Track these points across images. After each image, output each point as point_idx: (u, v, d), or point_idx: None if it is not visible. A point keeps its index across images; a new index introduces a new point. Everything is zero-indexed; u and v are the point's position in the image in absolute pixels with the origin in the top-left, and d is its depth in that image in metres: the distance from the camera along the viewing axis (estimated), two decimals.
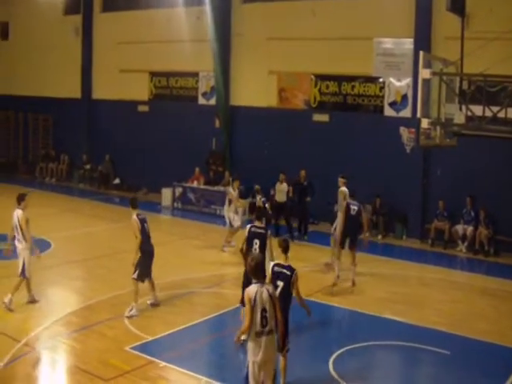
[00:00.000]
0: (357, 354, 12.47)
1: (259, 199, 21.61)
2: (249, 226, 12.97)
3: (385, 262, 19.28)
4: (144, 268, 14.37)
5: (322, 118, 25.03)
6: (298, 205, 22.65)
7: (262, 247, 12.44)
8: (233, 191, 20.44)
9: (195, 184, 27.33)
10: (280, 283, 10.12)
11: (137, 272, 14.25)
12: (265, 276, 9.45)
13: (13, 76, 36.09)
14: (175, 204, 27.49)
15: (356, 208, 16.80)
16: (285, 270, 10.20)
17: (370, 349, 12.93)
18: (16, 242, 14.34)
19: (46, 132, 35.88)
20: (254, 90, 26.87)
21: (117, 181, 31.55)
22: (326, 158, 24.25)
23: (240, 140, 27.08)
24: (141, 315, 14.24)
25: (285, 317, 9.92)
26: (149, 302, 14.77)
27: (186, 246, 20.95)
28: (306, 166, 23.24)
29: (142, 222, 14.38)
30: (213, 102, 28.14)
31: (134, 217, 14.33)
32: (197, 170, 27.39)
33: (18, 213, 14.45)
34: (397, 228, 23.10)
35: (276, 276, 10.17)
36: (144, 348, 12.39)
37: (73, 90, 33.10)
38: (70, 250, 19.99)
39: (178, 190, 27.52)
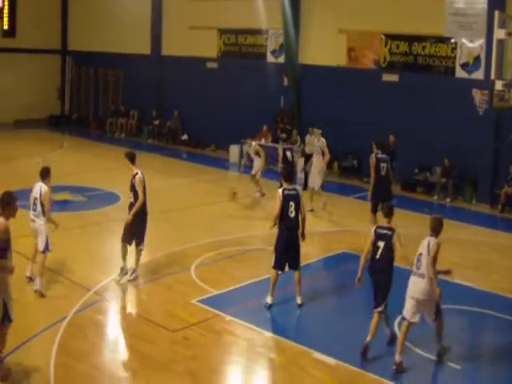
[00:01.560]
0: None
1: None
2: (281, 190, 12.46)
3: (454, 226, 18.98)
4: (143, 232, 13.60)
5: (391, 78, 24.67)
6: None
7: (297, 209, 12.32)
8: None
9: (263, 141, 27.35)
10: (381, 243, 10.71)
11: (143, 243, 13.56)
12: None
13: (84, 33, 36.61)
14: (242, 161, 27.61)
15: (385, 165, 16.66)
16: (386, 231, 10.77)
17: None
18: (33, 217, 12.89)
19: (116, 88, 36.29)
20: (323, 48, 26.61)
21: (185, 137, 31.81)
22: (394, 118, 23.93)
23: (308, 98, 26.91)
24: (206, 270, 14.45)
25: (389, 277, 10.73)
26: (132, 275, 13.62)
27: (253, 202, 21.06)
28: (374, 126, 23.03)
29: (145, 181, 13.31)
30: (281, 60, 28.00)
31: (140, 174, 13.22)
32: (264, 127, 27.37)
33: (42, 187, 12.93)
34: (466, 192, 22.73)
35: (378, 237, 10.76)
36: (210, 301, 12.60)
37: (143, 46, 33.31)
38: None
39: (245, 148, 27.59)
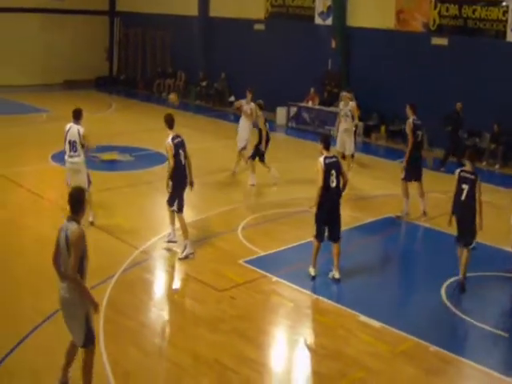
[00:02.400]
0: (470, 282, 12.26)
1: None
2: (322, 158, 11.84)
3: (503, 192, 18.77)
4: (180, 198, 13.10)
5: (440, 41, 24.24)
6: (450, 135, 21.84)
7: (338, 178, 11.86)
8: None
9: (310, 104, 27.27)
10: (465, 186, 11.67)
11: (176, 203, 12.99)
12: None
13: None
14: (289, 123, 27.59)
15: (420, 132, 15.85)
16: (469, 175, 11.73)
17: (487, 279, 12.67)
18: (73, 158, 13.70)
19: (163, 49, 36.26)
20: (371, 10, 26.19)
21: (232, 98, 31.75)
22: (443, 82, 23.57)
23: (356, 61, 26.62)
24: (253, 231, 14.55)
25: (473, 215, 11.65)
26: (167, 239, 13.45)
27: (300, 165, 20.91)
28: (422, 90, 22.77)
29: (177, 146, 12.78)
30: (329, 22, 27.66)
31: (169, 140, 12.75)
32: (312, 90, 27.24)
33: (79, 129, 13.60)
34: None
35: (462, 181, 11.72)
36: (257, 262, 12.71)
37: (190, 7, 33.16)
38: None
39: (293, 110, 27.57)
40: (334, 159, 12.01)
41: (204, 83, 33.17)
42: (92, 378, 7.97)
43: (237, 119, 26.66)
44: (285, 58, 28.81)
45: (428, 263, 13.57)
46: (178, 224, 13.12)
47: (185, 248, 12.93)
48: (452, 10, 23.81)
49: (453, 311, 11.05)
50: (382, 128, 25.59)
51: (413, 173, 15.69)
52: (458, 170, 12.03)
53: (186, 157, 12.94)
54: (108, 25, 38.78)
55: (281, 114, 27.95)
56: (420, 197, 16.00)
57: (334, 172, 11.83)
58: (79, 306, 7.74)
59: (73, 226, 7.57)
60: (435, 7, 24.23)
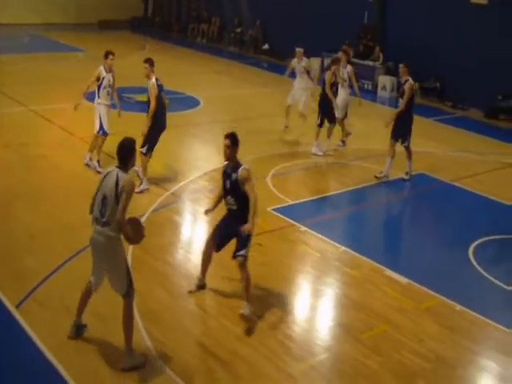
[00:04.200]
0: (499, 245, 12.18)
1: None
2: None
3: None
4: (153, 142, 13.27)
5: (480, 0, 23.67)
6: None
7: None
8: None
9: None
10: None
11: (146, 146, 13.08)
12: None
13: None
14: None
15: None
16: None
17: None
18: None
19: None
20: None
21: (266, 46, 31.48)
22: (481, 43, 23.06)
23: (392, 16, 26.11)
24: (283, 179, 14.50)
25: None
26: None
27: None
28: (459, 50, 22.41)
29: (160, 87, 13.01)
30: None
31: (153, 80, 12.89)
32: (346, 42, 26.84)
33: (108, 73, 13.97)
34: None
35: None
36: (285, 211, 12.67)
37: None
38: (218, 110, 20.41)
39: (327, 61, 27.22)
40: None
41: (239, 29, 32.85)
42: (133, 328, 7.94)
43: (271, 68, 26.51)
44: (321, 8, 28.25)
45: (458, 223, 13.42)
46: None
47: (141, 183, 13.07)
48: None
49: (480, 272, 10.98)
50: (416, 85, 25.15)
51: (400, 132, 14.94)
52: None
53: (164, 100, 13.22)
54: None
55: (315, 64, 27.58)
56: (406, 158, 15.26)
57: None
58: (120, 253, 7.75)
59: (126, 176, 7.62)
60: None
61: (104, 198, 7.60)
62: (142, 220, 11.53)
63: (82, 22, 34.95)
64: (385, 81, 25.17)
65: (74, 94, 15.14)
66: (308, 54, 26.76)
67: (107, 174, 7.72)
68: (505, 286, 10.59)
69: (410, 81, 14.65)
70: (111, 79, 13.97)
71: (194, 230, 12.35)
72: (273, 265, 10.69)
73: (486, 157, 17.68)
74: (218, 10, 34.10)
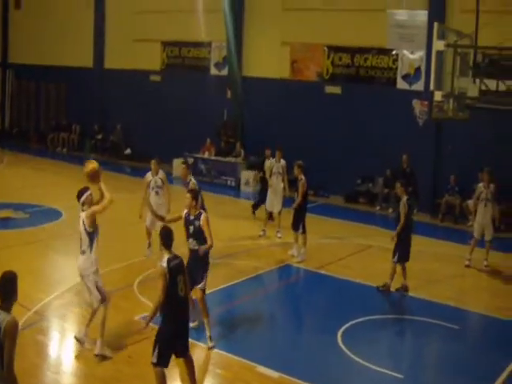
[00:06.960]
0: (366, 327, 12.49)
1: None
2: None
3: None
4: None
5: (334, 90, 24.86)
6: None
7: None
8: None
9: (206, 155, 27.34)
10: None
11: None
12: None
13: (25, 45, 36.04)
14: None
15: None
16: None
17: (380, 322, 13.02)
18: None
19: (58, 102, 35.73)
20: (266, 61, 26.70)
21: (128, 151, 31.47)
22: (337, 130, 24.10)
23: (252, 111, 26.92)
24: (149, 286, 14.27)
25: None
26: None
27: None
28: (317, 138, 23.29)
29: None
30: (225, 72, 27.98)
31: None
32: (208, 140, 27.37)
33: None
34: None
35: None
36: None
37: (85, 59, 32.91)
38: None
39: (190, 161, 27.49)
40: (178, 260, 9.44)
41: (100, 136, 32.75)
42: None
43: (134, 172, 26.58)
44: (181, 109, 28.82)
45: (324, 309, 13.67)
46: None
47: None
48: (345, 59, 24.56)
49: (349, 356, 11.09)
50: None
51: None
52: None
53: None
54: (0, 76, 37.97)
55: (177, 164, 27.80)
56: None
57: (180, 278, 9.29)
58: None
59: (8, 317, 6.68)
60: (328, 57, 24.93)
61: None
62: None
63: None
64: (248, 175, 25.63)
65: None
66: (170, 156, 27.22)
67: None
68: (374, 367, 10.75)
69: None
70: None
71: (59, 349, 11.84)
72: (143, 377, 10.33)
73: (348, 240, 18.20)
74: (77, 117, 33.97)
